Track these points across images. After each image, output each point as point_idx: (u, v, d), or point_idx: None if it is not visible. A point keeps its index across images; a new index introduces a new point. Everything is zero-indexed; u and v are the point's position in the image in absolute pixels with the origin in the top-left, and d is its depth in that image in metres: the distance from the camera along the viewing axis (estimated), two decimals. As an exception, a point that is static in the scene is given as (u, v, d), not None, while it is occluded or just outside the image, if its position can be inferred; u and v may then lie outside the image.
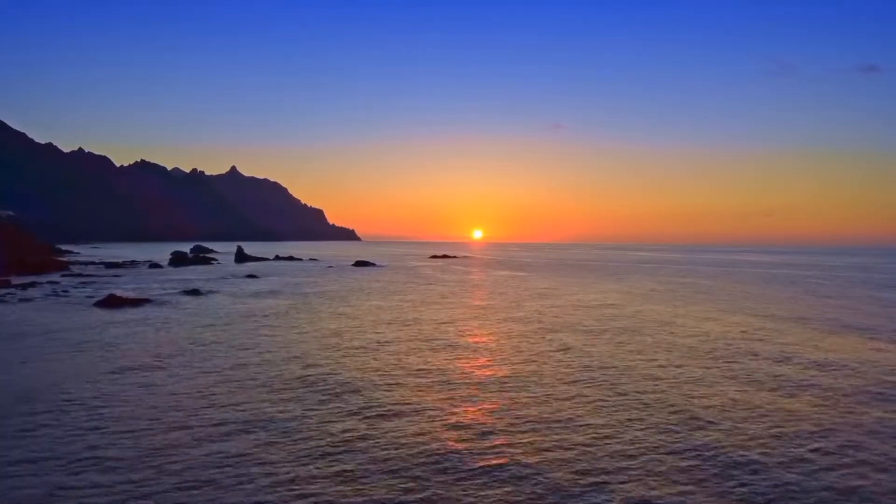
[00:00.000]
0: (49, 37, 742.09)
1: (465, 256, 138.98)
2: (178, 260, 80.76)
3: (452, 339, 23.22)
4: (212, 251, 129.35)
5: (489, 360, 18.99)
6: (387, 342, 22.14)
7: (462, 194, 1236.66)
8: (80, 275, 56.89)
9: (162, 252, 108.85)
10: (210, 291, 42.34)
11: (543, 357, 19.53)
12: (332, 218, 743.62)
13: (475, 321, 28.51)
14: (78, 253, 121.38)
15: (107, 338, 22.51)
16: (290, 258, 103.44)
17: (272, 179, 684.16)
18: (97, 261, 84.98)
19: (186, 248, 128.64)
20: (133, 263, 79.22)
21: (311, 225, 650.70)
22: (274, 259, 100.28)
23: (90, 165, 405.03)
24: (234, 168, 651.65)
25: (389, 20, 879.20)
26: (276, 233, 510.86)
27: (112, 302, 32.80)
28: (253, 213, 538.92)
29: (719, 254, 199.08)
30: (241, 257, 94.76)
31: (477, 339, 23.20)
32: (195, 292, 40.77)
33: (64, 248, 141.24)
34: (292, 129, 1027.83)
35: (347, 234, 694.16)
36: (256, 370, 17.20)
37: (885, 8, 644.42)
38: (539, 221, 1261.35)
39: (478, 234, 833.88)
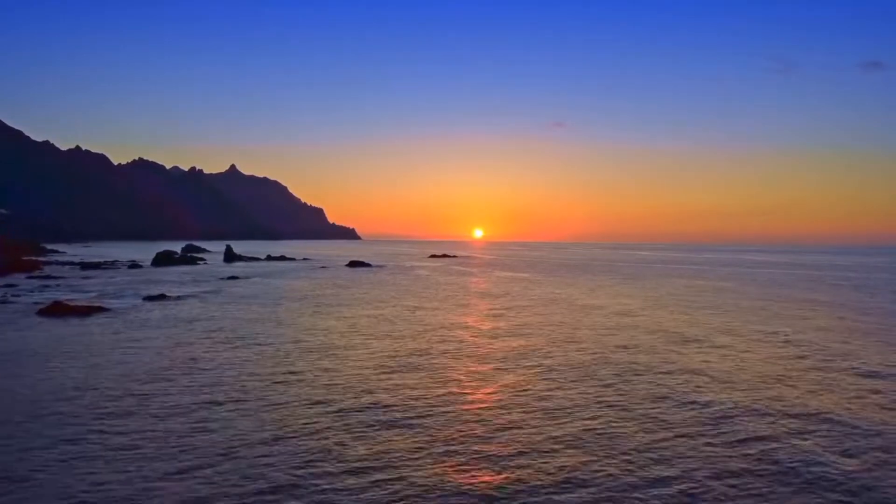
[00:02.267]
0: (46, 34, 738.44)
1: (465, 256, 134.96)
2: (161, 260, 76.72)
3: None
4: (204, 250, 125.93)
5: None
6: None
7: (463, 193, 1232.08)
8: (47, 276, 52.92)
9: (155, 251, 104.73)
10: (180, 296, 38.36)
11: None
12: (333, 217, 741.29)
13: (462, 346, 24.44)
14: (64, 252, 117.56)
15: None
16: (283, 258, 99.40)
17: (272, 178, 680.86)
18: (77, 260, 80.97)
19: (182, 246, 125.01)
20: (114, 263, 75.27)
21: (312, 224, 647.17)
22: (265, 259, 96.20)
23: (88, 164, 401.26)
24: (233, 167, 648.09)
25: (388, 19, 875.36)
26: (276, 232, 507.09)
27: (55, 310, 28.77)
28: (253, 212, 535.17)
29: (727, 253, 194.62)
30: (230, 257, 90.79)
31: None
32: (161, 297, 36.76)
33: (51, 247, 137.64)
34: (292, 127, 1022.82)
35: (348, 233, 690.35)
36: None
37: (888, 2, 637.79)
38: (540, 220, 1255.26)
39: (478, 234, 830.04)
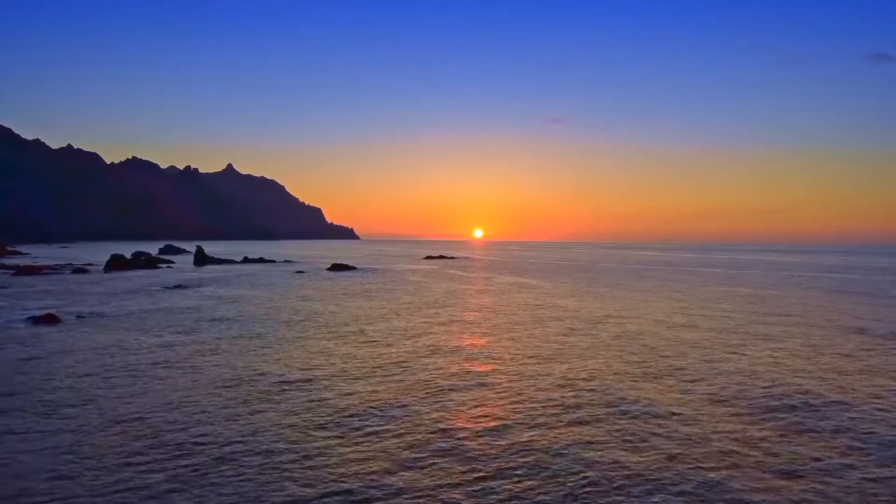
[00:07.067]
0: (37, 30, 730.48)
1: (463, 257, 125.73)
2: (115, 264, 67.41)
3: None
4: (183, 251, 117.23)
5: None
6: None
7: (462, 192, 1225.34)
8: (-47, 286, 43.78)
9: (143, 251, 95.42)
10: (88, 314, 29.33)
11: None
12: (331, 216, 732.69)
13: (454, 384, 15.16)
14: (28, 254, 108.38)
15: None
16: (261, 260, 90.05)
17: (269, 177, 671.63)
18: (23, 264, 71.74)
19: (159, 247, 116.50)
20: (64, 267, 66.32)
21: (310, 223, 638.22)
22: (241, 261, 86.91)
23: (80, 162, 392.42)
24: (230, 166, 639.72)
25: (386, 17, 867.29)
26: (273, 231, 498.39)
27: None
28: (250, 212, 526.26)
29: (739, 253, 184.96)
30: (199, 260, 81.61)
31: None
32: (48, 319, 27.54)
33: (21, 248, 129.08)
34: (290, 126, 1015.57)
35: (346, 233, 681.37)
36: None
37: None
38: (540, 219, 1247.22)
39: (478, 233, 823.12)
